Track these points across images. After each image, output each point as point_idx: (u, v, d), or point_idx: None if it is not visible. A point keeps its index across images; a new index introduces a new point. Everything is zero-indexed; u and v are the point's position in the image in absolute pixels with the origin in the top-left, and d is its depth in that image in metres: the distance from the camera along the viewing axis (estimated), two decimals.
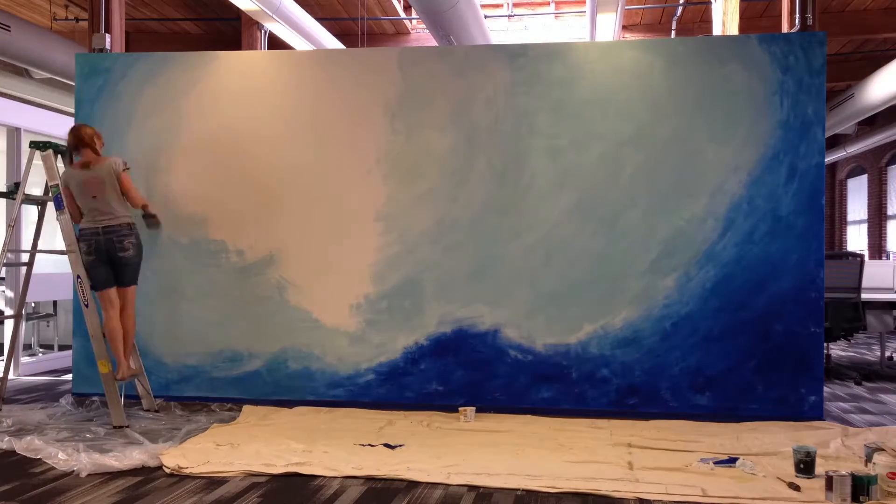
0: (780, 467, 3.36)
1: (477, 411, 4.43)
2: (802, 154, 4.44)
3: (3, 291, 5.85)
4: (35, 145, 4.46)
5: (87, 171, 4.28)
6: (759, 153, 4.47)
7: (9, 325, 5.20)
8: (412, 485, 3.15)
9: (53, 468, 3.34)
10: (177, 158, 4.93)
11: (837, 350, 7.62)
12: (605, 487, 3.07)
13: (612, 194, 4.58)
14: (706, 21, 9.21)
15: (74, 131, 4.35)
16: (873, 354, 7.29)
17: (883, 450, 3.10)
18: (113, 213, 4.27)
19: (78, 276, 4.29)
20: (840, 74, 11.05)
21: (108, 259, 4.28)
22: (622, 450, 3.66)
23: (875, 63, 10.14)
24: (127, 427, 4.05)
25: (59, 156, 4.52)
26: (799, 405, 4.42)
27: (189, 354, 4.90)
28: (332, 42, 8.97)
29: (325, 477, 3.24)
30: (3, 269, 4.82)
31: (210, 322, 4.87)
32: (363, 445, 3.73)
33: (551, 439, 3.87)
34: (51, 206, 4.46)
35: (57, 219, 4.37)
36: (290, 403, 4.70)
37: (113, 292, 4.32)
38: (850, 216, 15.52)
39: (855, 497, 2.88)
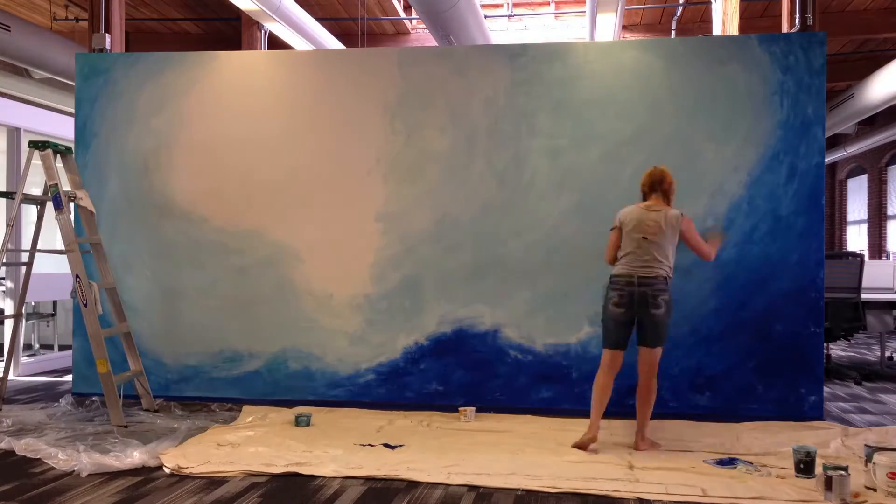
0: (780, 467, 3.36)
1: (477, 411, 4.43)
2: (802, 154, 4.44)
3: (4, 291, 5.85)
4: (34, 145, 4.46)
5: (648, 213, 3.83)
6: (759, 153, 4.47)
7: (9, 325, 5.19)
8: (412, 485, 3.15)
9: (53, 468, 3.34)
10: (177, 158, 4.93)
11: (837, 350, 7.62)
12: (605, 487, 3.07)
13: (612, 194, 4.57)
14: (706, 21, 9.21)
15: (654, 173, 3.89)
16: (873, 354, 7.28)
17: (883, 450, 3.10)
18: (652, 265, 3.76)
19: (77, 276, 4.28)
20: (840, 74, 11.04)
21: (635, 315, 3.77)
22: (622, 450, 3.66)
23: (875, 63, 10.14)
24: (126, 427, 4.05)
25: (58, 155, 4.51)
26: (799, 405, 4.41)
27: (189, 354, 4.89)
28: (332, 42, 8.97)
29: (325, 477, 3.24)
30: (3, 268, 4.82)
31: (210, 322, 4.87)
32: (363, 445, 3.73)
33: (551, 439, 3.86)
34: (50, 205, 4.45)
35: (56, 218, 4.36)
36: (290, 403, 4.70)
37: (619, 355, 3.81)
38: (850, 216, 15.51)
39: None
